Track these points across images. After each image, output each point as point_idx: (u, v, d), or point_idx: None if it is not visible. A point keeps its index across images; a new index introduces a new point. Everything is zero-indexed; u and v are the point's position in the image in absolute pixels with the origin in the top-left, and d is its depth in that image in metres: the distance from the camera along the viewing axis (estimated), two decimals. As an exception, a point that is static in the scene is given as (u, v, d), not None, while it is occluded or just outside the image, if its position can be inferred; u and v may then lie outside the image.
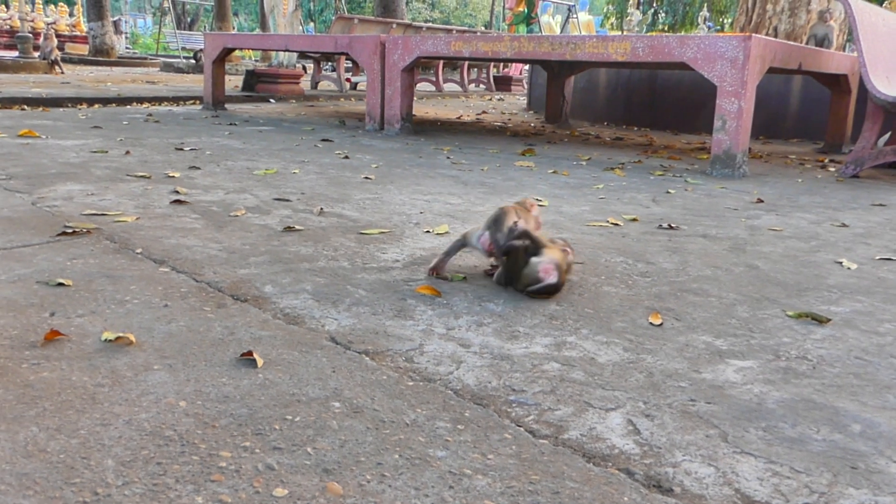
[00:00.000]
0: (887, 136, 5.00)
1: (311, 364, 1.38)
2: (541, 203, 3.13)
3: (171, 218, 2.56)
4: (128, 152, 4.09)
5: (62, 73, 11.88)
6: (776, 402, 1.30)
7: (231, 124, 5.95)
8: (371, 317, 1.67)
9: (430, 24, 11.84)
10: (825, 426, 1.22)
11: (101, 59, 17.49)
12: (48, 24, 18.05)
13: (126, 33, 34.09)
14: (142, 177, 3.35)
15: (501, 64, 14.82)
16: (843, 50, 8.01)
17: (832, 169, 4.76)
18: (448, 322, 1.66)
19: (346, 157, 4.34)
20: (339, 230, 2.51)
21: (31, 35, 14.66)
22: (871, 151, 4.36)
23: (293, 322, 1.61)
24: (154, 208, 2.71)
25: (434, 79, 12.56)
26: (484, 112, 8.84)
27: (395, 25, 10.47)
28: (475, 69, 14.33)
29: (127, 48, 31.17)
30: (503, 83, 14.44)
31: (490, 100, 11.90)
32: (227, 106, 7.48)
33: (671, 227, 2.73)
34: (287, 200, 2.98)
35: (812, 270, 2.21)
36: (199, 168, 3.67)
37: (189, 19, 35.60)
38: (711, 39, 4.11)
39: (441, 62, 12.25)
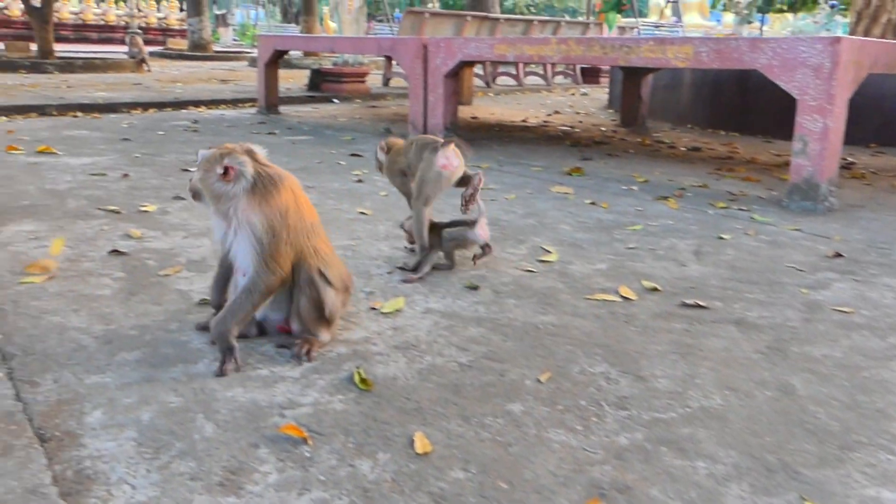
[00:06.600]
0: None
1: None
2: (547, 257, 2.55)
3: (89, 278, 2.19)
4: (125, 175, 3.80)
5: (149, 70, 12.10)
6: None
7: (270, 133, 5.63)
8: (186, 483, 1.20)
9: (508, 17, 11.15)
10: None
11: (198, 53, 17.91)
12: (130, 24, 18.72)
13: (234, 26, 35.13)
14: (111, 212, 3.02)
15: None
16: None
17: (953, 196, 3.86)
18: (283, 501, 1.16)
19: (360, 182, 3.87)
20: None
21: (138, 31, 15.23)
22: None
23: (77, 484, 1.16)
24: (83, 261, 2.35)
25: (514, 72, 11.91)
26: (557, 112, 8.15)
27: (469, 19, 9.86)
28: (563, 60, 13.52)
29: (234, 40, 32.12)
30: (591, 75, 13.54)
31: (573, 94, 11.13)
32: (282, 109, 7.20)
33: (699, 306, 2.10)
34: (246, 248, 2.55)
35: (875, 400, 1.54)
36: (183, 198, 3.31)
37: (295, 10, 36.13)
38: (790, 43, 3.35)
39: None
